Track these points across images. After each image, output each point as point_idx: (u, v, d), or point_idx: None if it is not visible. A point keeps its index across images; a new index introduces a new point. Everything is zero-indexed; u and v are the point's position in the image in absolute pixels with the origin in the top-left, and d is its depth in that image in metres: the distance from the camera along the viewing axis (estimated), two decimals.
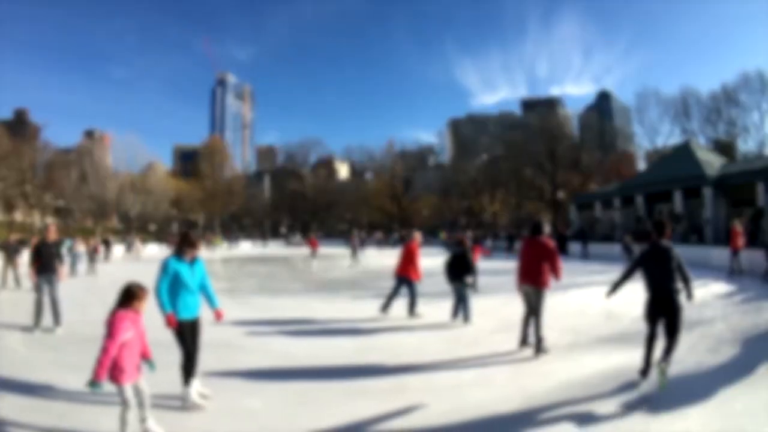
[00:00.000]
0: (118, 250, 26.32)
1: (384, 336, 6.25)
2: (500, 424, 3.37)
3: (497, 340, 5.80)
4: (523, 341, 5.35)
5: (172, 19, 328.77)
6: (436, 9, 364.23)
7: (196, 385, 3.83)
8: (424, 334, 6.27)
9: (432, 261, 12.62)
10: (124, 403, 2.98)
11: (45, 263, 6.60)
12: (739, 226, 12.81)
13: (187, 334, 3.76)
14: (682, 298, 4.05)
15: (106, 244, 22.01)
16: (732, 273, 12.33)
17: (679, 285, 4.06)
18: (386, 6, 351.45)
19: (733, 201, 20.84)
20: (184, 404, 3.65)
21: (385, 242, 40.31)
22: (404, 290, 7.47)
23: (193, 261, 3.89)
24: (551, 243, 5.24)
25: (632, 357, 4.85)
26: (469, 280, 6.78)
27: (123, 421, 2.97)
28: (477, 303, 8.16)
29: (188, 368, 3.74)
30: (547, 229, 5.39)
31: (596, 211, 28.28)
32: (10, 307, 8.54)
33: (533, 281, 5.13)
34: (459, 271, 6.77)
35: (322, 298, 10.16)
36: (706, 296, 8.71)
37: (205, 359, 5.06)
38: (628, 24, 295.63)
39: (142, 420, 3.10)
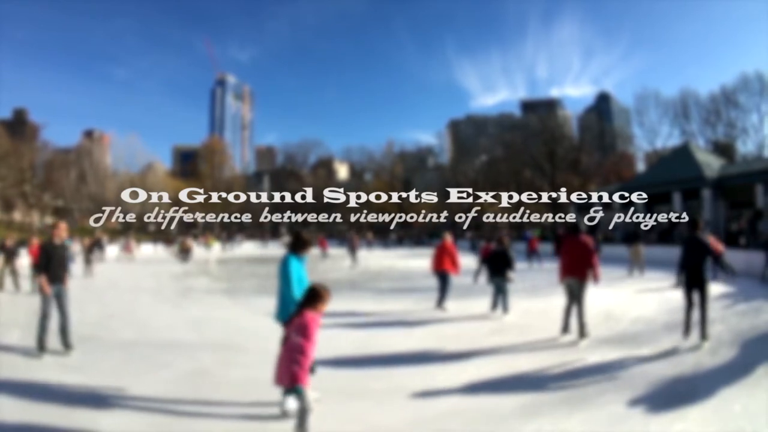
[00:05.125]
0: (111, 250, 26.13)
1: (384, 336, 6.25)
2: (499, 424, 3.38)
3: (496, 341, 5.81)
4: (565, 329, 5.89)
5: (172, 19, 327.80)
6: (436, 10, 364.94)
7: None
8: (424, 335, 6.27)
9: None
10: (304, 408, 2.84)
11: (55, 270, 5.33)
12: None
13: None
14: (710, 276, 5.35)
15: (99, 244, 21.72)
16: (715, 277, 12.35)
17: (709, 273, 5.40)
18: (386, 7, 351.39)
19: (732, 202, 20.89)
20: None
21: (376, 243, 40.24)
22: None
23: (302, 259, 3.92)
24: (590, 240, 5.83)
25: (631, 357, 4.87)
26: (510, 275, 7.31)
27: (304, 427, 2.83)
28: (475, 305, 8.18)
29: None
30: (582, 226, 6.01)
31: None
32: (9, 308, 8.54)
33: (577, 274, 5.73)
34: (500, 267, 7.36)
35: None
36: None
37: (205, 359, 5.08)
38: (628, 25, 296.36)
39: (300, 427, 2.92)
